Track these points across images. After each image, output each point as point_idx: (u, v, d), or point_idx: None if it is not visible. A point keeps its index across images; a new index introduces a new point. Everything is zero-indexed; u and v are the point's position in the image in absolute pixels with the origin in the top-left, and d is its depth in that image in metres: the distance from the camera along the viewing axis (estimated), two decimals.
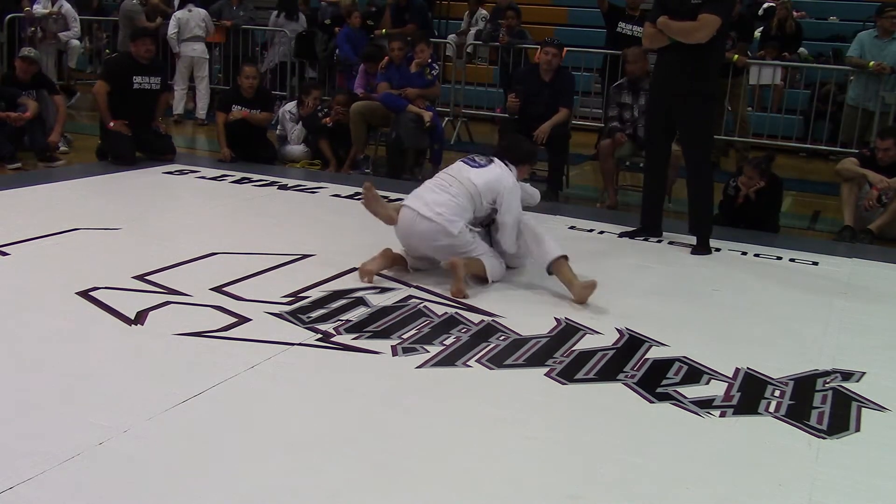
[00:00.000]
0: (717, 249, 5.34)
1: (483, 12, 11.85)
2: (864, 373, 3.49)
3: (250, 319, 3.67)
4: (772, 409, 3.12)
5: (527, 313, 3.98)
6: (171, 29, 10.09)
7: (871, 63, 8.31)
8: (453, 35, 11.65)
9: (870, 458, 2.81)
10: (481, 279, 4.34)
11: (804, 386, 3.33)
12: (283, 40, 10.84)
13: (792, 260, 5.27)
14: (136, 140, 7.12)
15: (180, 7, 10.46)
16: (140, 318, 3.62)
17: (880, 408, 3.19)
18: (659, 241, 5.51)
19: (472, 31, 11.49)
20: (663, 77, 5.31)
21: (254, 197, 6.24)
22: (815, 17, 11.65)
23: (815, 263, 5.23)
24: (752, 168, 5.91)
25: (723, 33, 5.13)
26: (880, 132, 6.49)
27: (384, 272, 4.38)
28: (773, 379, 3.37)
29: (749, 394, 3.23)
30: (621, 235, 5.59)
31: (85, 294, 3.86)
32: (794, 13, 10.44)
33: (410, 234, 4.37)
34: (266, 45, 11.70)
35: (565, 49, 9.32)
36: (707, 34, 4.98)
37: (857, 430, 3.01)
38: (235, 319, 3.66)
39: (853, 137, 8.49)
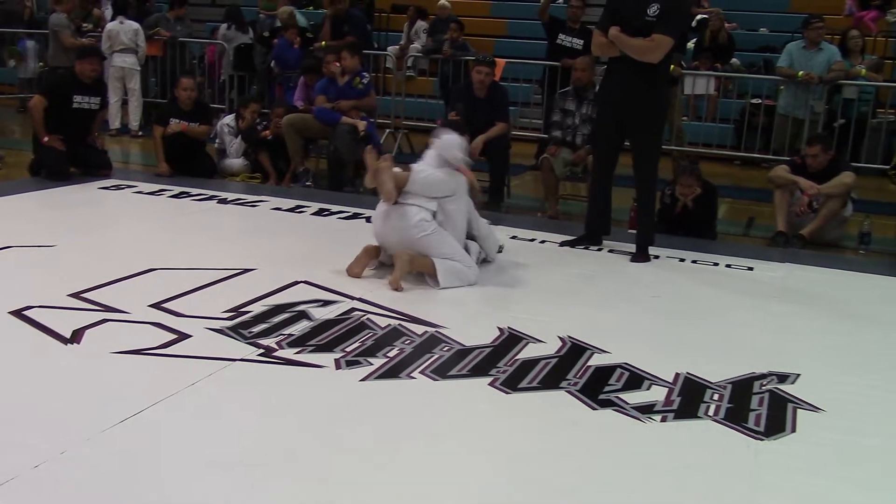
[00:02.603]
0: (656, 256, 5.43)
1: (423, 24, 11.94)
2: (799, 375, 3.57)
3: (190, 336, 3.61)
4: (711, 412, 3.17)
5: (470, 323, 4.00)
6: (104, 43, 9.93)
7: (801, 73, 8.56)
8: (393, 47, 11.69)
9: (806, 458, 2.88)
10: (434, 278, 4.47)
11: (742, 389, 3.40)
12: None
13: (728, 266, 5.38)
14: (72, 155, 6.97)
15: (112, 19, 10.31)
16: (76, 336, 3.54)
17: (815, 408, 3.27)
18: (599, 250, 5.58)
19: (415, 43, 11.55)
20: (613, 88, 5.35)
21: (193, 211, 6.16)
22: (747, 28, 11.95)
23: (751, 268, 5.35)
24: (689, 176, 6.03)
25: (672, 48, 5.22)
26: (808, 139, 6.68)
27: (329, 285, 4.38)
28: (711, 383, 3.43)
29: (689, 398, 3.28)
30: (562, 244, 5.64)
31: (18, 313, 3.76)
32: (726, 25, 10.69)
33: (383, 231, 4.63)
34: (203, 58, 11.60)
35: (504, 62, 9.45)
36: (660, 55, 5.06)
37: (793, 430, 3.08)
38: (175, 336, 3.60)
39: (784, 145, 8.73)
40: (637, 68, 5.12)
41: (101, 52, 8.43)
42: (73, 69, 7.14)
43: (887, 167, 7.22)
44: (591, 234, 5.65)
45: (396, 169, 4.61)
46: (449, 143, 4.71)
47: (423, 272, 4.52)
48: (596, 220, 5.65)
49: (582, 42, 9.17)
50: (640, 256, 5.36)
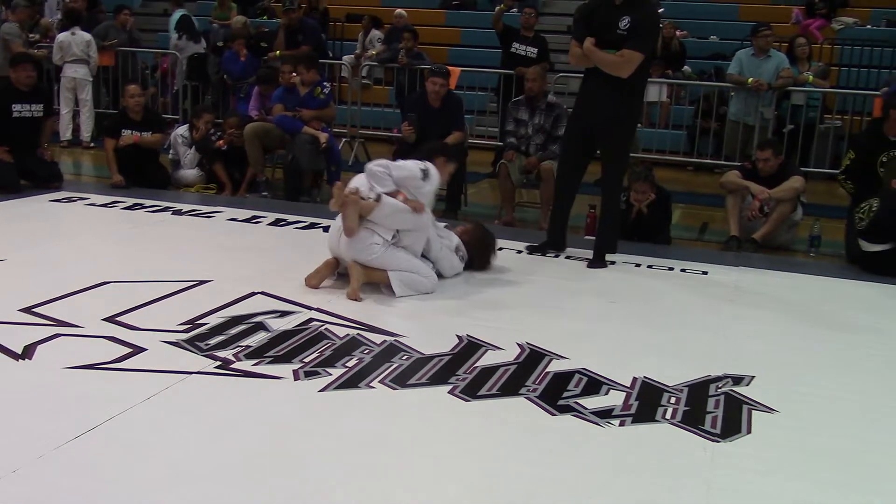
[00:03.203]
0: (612, 262, 5.48)
1: (377, 33, 11.97)
2: (753, 376, 3.62)
3: (145, 349, 3.56)
4: (668, 415, 3.21)
5: (428, 331, 4.00)
6: (55, 54, 9.82)
7: (750, 80, 8.72)
8: (348, 56, 11.69)
9: (761, 458, 2.92)
10: (389, 289, 4.48)
11: (698, 392, 3.44)
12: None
13: (683, 270, 5.45)
14: (20, 168, 6.85)
15: (64, 29, 10.17)
16: (28, 352, 3.47)
17: (769, 409, 3.32)
18: (557, 256, 5.62)
19: (369, 52, 11.56)
20: (588, 98, 5.40)
21: (147, 223, 6.08)
22: (697, 36, 12.15)
23: (705, 273, 5.42)
24: (643, 182, 6.10)
25: (646, 62, 5.26)
26: (759, 144, 6.79)
27: (285, 295, 4.35)
28: (668, 386, 3.47)
29: (646, 402, 3.32)
30: (528, 249, 5.66)
31: None
32: (678, 33, 10.86)
33: (338, 249, 4.59)
34: (156, 68, 11.50)
35: (459, 70, 9.49)
36: (629, 70, 5.11)
37: (749, 432, 3.13)
38: (130, 350, 3.55)
39: (736, 151, 8.87)
40: (610, 79, 5.18)
41: (34, 59, 8.24)
42: (10, 79, 7.04)
43: (836, 171, 7.37)
44: (553, 241, 5.68)
45: (362, 185, 4.56)
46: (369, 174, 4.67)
47: (378, 282, 4.52)
48: (558, 228, 5.68)
49: (536, 50, 9.26)
50: (598, 262, 5.40)
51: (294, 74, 7.46)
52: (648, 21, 5.25)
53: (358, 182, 4.62)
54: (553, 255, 5.64)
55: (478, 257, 5.10)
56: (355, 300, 4.35)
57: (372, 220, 4.49)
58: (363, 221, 4.48)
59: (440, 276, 4.80)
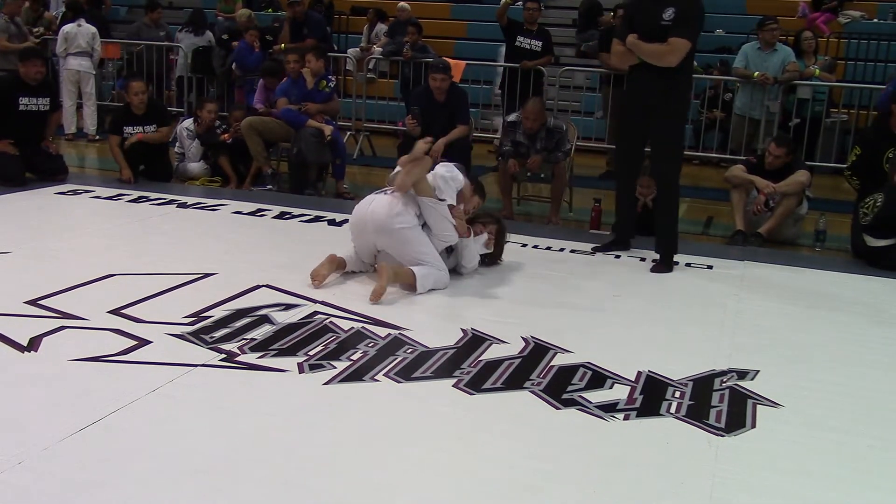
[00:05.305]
0: (617, 256, 5.48)
1: (383, 27, 11.97)
2: (758, 371, 3.62)
3: (150, 342, 3.58)
4: (673, 410, 3.21)
5: (433, 325, 4.00)
6: (59, 45, 9.82)
7: (756, 74, 8.69)
8: (353, 49, 11.69)
9: (766, 453, 2.92)
10: (412, 287, 4.43)
11: (703, 386, 3.44)
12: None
13: (688, 264, 5.43)
14: (25, 161, 6.86)
15: (69, 21, 10.17)
16: (33, 344, 3.48)
17: (774, 404, 3.31)
18: (562, 251, 5.62)
19: (374, 46, 11.57)
20: (636, 94, 5.31)
21: (152, 216, 6.08)
22: (703, 30, 12.08)
23: (710, 267, 5.41)
24: (648, 176, 6.07)
25: (692, 52, 5.17)
26: (776, 138, 6.71)
27: (290, 288, 4.35)
28: (673, 381, 3.47)
29: (651, 396, 3.32)
30: (594, 250, 5.58)
31: None
32: None
33: (365, 213, 4.54)
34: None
35: (464, 63, 9.47)
36: (678, 59, 5.02)
37: (753, 426, 3.12)
38: (135, 342, 3.56)
39: (741, 145, 8.85)
40: (657, 73, 5.09)
41: (43, 53, 8.24)
42: (17, 72, 7.04)
43: (842, 166, 7.34)
44: (621, 240, 5.63)
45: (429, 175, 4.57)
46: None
47: (403, 282, 4.44)
48: (625, 224, 5.63)
49: (540, 44, 9.24)
50: (663, 266, 5.26)
51: (303, 67, 7.47)
52: (693, 8, 5.13)
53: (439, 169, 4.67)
54: (554, 249, 5.63)
55: (494, 252, 5.06)
56: (375, 303, 4.23)
57: (419, 197, 4.51)
58: (409, 192, 4.50)
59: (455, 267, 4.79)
